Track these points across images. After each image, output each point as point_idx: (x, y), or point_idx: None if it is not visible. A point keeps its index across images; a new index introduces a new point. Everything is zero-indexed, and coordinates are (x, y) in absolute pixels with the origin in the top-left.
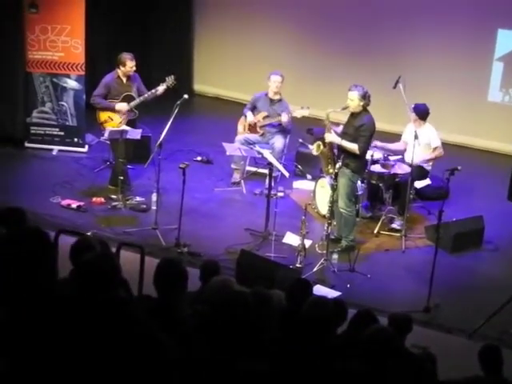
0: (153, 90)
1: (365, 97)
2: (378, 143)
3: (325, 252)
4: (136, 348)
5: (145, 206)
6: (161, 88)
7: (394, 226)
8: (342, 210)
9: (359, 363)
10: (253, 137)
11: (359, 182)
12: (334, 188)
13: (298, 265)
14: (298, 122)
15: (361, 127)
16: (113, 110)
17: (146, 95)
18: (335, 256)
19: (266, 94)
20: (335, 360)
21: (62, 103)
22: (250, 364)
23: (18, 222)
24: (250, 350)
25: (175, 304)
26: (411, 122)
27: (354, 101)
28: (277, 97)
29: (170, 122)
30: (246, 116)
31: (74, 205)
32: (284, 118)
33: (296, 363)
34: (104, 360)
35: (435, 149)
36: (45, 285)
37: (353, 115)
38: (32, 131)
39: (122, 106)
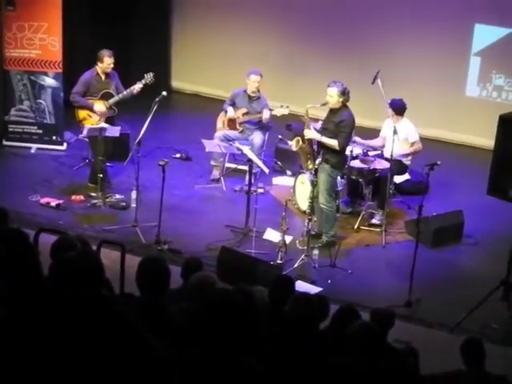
0: (131, 88)
1: (344, 93)
2: (358, 139)
3: (305, 248)
4: (124, 347)
5: (124, 204)
6: (137, 86)
7: (374, 221)
8: (322, 205)
9: (352, 360)
10: (232, 133)
11: (339, 178)
12: (314, 184)
13: (278, 261)
14: (277, 119)
15: (341, 123)
16: (91, 109)
17: (124, 92)
18: (316, 252)
19: (245, 91)
20: (328, 357)
21: (40, 101)
22: (245, 363)
23: (0, 222)
24: (241, 349)
25: (158, 302)
26: (389, 117)
27: (333, 97)
28: (255, 94)
29: (148, 120)
30: (226, 111)
31: (54, 203)
32: (265, 115)
33: (288, 361)
34: (91, 359)
35: (413, 143)
36: (29, 285)
37: (332, 111)
38: (10, 129)
39: (100, 108)
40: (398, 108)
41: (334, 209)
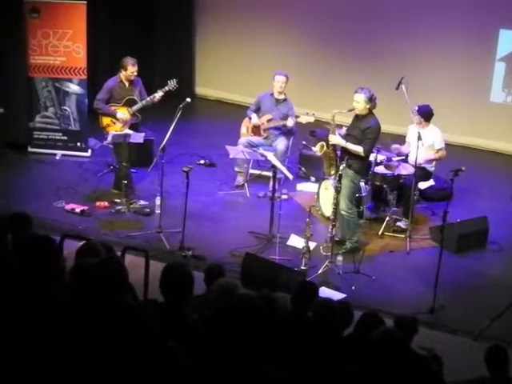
0: (151, 96)
1: (371, 99)
2: (396, 146)
3: (329, 254)
4: (143, 354)
5: (148, 210)
6: (157, 95)
7: (400, 224)
8: (342, 211)
9: (369, 365)
10: (256, 139)
11: (363, 184)
12: (338, 190)
13: (302, 267)
14: (302, 125)
15: (367, 130)
16: (114, 117)
17: (147, 99)
18: (340, 258)
19: (272, 94)
20: (345, 363)
21: (65, 108)
22: (266, 369)
23: (25, 227)
24: (261, 355)
25: (182, 308)
26: (413, 123)
27: (359, 103)
28: (281, 96)
29: (172, 126)
30: (250, 118)
31: (78, 209)
32: (289, 123)
33: (308, 367)
34: (111, 366)
35: (439, 150)
36: (51, 292)
37: (358, 117)
38: (35, 136)
39: (123, 116)
40: (426, 114)
41: (355, 215)
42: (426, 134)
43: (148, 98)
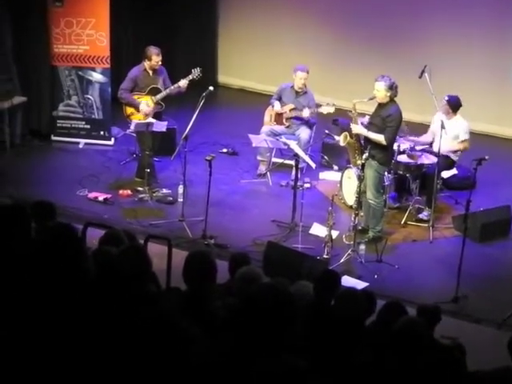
0: (175, 85)
1: (392, 87)
2: (412, 138)
3: (352, 243)
4: (166, 343)
5: (171, 198)
6: (181, 83)
7: (422, 216)
8: (370, 201)
9: (391, 354)
10: (279, 128)
11: (386, 173)
12: (361, 179)
13: (325, 256)
14: (323, 115)
15: (388, 118)
16: (137, 108)
17: (171, 87)
18: (362, 247)
19: (292, 86)
20: (366, 354)
21: (88, 96)
22: (286, 358)
23: (49, 216)
24: (282, 344)
25: (205, 296)
26: (439, 111)
27: (380, 91)
28: (302, 89)
29: (195, 114)
30: (273, 106)
31: (101, 197)
32: (304, 114)
33: (329, 356)
34: (133, 355)
35: (463, 141)
36: (76, 280)
37: (380, 106)
38: (58, 124)
39: (145, 108)
40: (454, 104)
41: (382, 204)
42: (452, 124)
43: (172, 87)
